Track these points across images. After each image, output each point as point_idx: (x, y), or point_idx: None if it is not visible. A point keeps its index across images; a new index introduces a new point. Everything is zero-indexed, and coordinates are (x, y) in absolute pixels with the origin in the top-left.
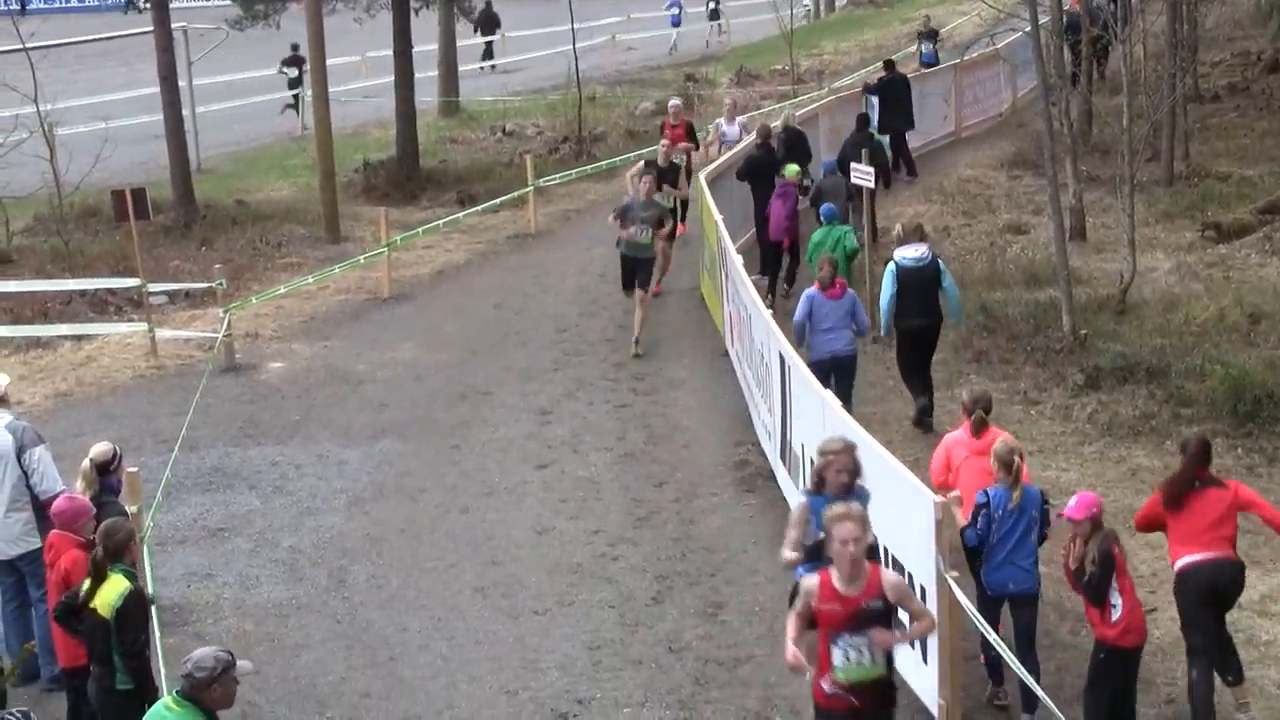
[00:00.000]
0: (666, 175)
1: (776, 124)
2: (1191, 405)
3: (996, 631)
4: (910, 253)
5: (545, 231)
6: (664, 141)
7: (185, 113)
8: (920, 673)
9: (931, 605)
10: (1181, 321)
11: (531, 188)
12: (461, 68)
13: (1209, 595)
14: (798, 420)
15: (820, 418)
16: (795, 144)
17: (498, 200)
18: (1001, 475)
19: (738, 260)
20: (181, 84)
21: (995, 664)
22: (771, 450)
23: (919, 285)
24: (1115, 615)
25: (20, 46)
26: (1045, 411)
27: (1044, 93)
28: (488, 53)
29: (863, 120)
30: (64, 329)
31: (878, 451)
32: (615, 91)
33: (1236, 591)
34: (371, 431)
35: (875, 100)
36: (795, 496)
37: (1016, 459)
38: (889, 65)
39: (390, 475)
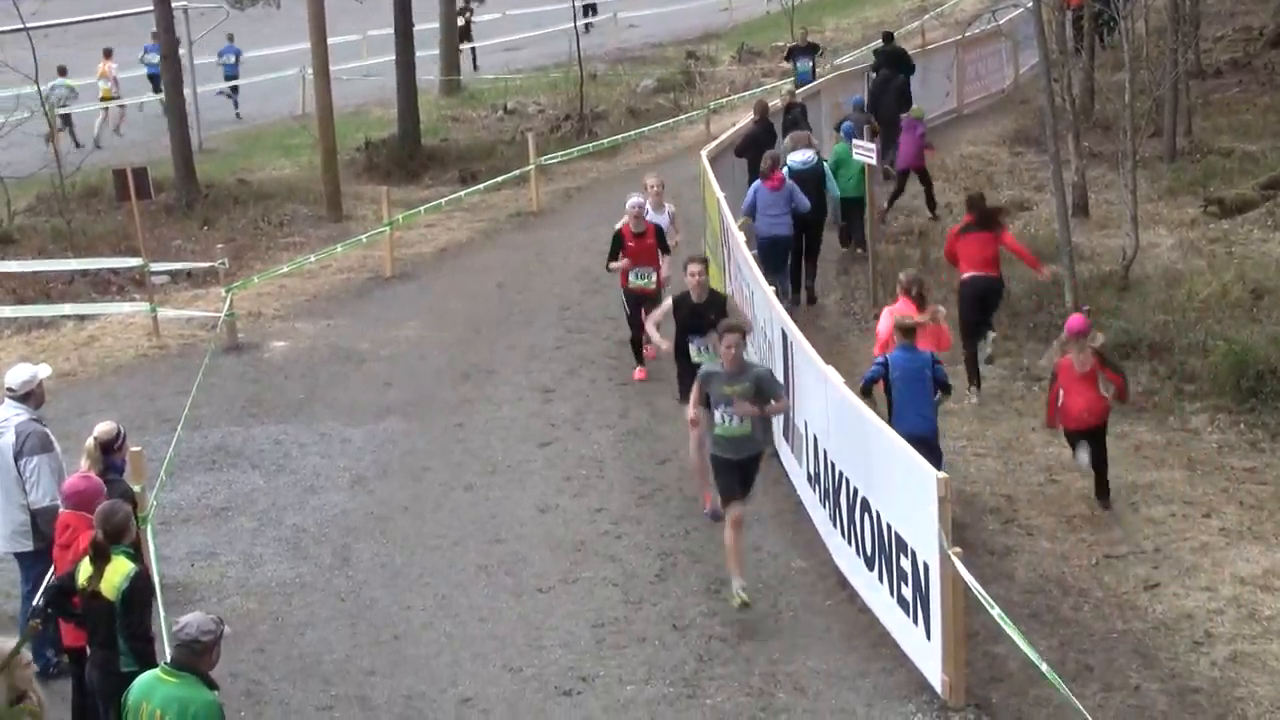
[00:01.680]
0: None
1: (775, 102)
2: (1194, 381)
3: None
4: (798, 157)
5: (547, 210)
6: (623, 261)
7: (186, 91)
8: (924, 648)
9: (935, 581)
10: (1184, 297)
11: (533, 166)
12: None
13: (975, 299)
14: (801, 396)
15: (822, 394)
16: (800, 119)
17: (500, 178)
18: (900, 339)
19: (740, 238)
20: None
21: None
22: (775, 427)
23: (808, 184)
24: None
25: (21, 26)
26: (1048, 387)
27: (1046, 69)
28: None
29: (894, 56)
30: (66, 309)
31: (880, 428)
32: (617, 69)
33: (995, 299)
34: (375, 410)
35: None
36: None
37: (913, 324)
38: (888, 37)
39: (394, 454)
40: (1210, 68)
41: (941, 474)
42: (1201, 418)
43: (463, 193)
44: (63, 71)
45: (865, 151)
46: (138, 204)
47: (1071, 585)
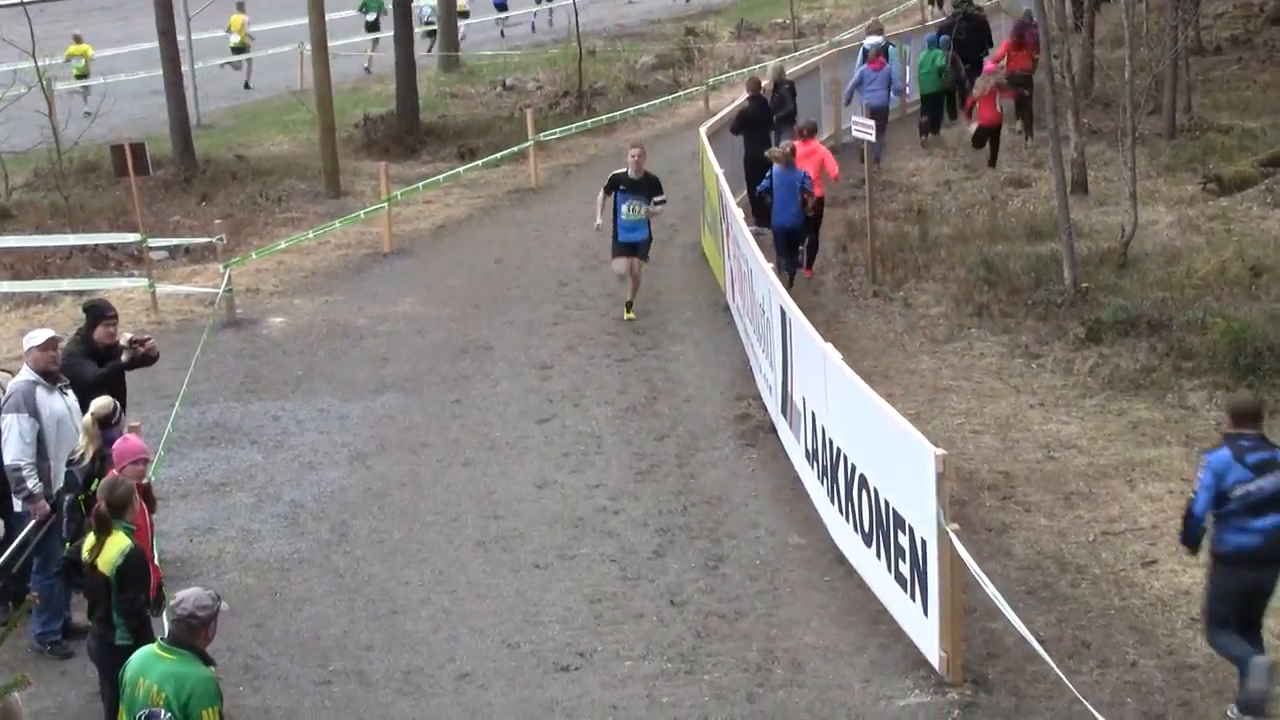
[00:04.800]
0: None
1: (766, 82)
2: (1192, 358)
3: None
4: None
5: (546, 186)
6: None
7: (184, 68)
8: (921, 625)
9: (932, 558)
10: (1183, 274)
11: (532, 142)
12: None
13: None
14: (799, 374)
15: (821, 371)
16: (787, 97)
17: (498, 155)
18: (781, 161)
19: (739, 214)
20: (180, 38)
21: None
22: (772, 404)
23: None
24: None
25: (18, 1)
26: (1046, 365)
27: (1045, 45)
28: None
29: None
30: (65, 284)
31: (878, 405)
32: (615, 45)
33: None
34: (373, 386)
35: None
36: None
37: (790, 151)
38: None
39: (392, 430)
40: (1210, 44)
41: (940, 451)
42: (1200, 395)
43: (461, 169)
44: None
45: (864, 129)
46: (136, 179)
47: (1069, 562)
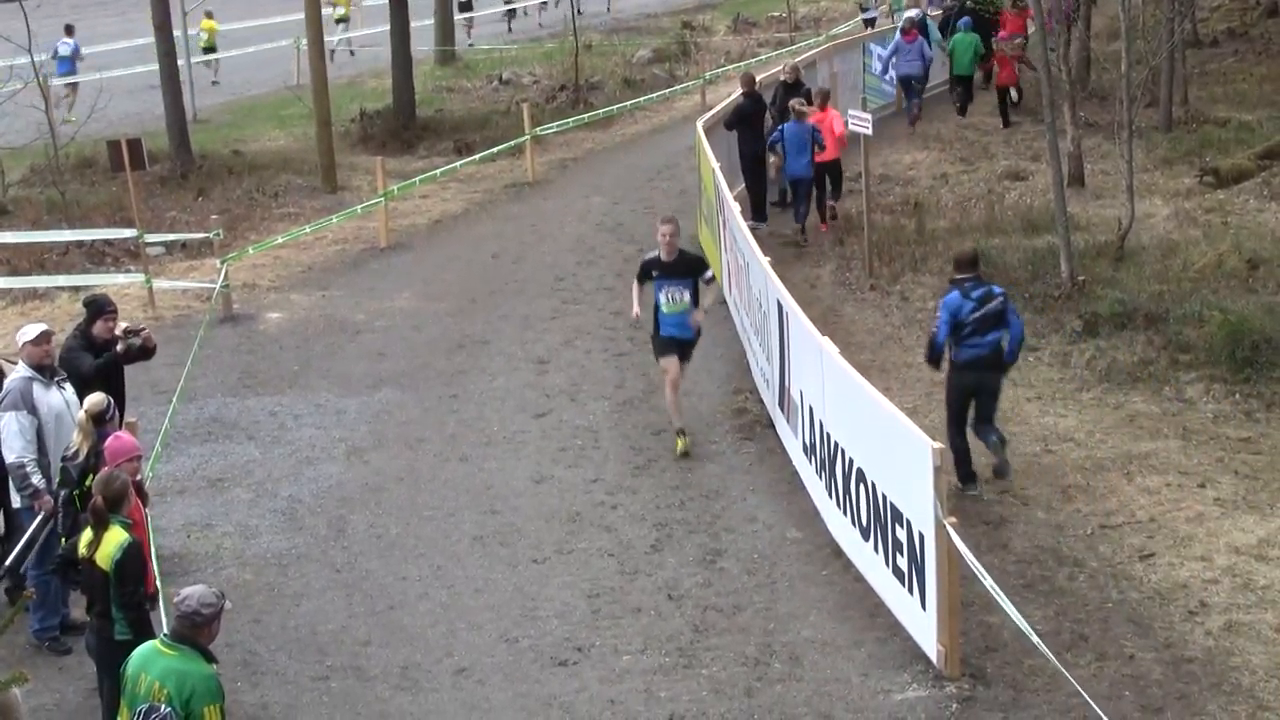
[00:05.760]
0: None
1: (786, 77)
2: (1189, 351)
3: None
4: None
5: (543, 180)
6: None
7: (180, 62)
8: (918, 619)
9: (930, 551)
10: (1180, 267)
11: (529, 136)
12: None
13: None
14: (796, 368)
15: (818, 365)
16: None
17: (495, 149)
18: (796, 114)
19: (735, 208)
20: (176, 33)
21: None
22: (770, 398)
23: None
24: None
25: None
26: (1043, 358)
27: (1042, 38)
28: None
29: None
30: (61, 280)
31: (875, 398)
32: (612, 39)
33: None
34: (370, 381)
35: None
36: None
37: (806, 107)
38: None
39: (389, 424)
40: (1207, 37)
41: (937, 444)
42: (1197, 388)
43: (458, 163)
44: (69, 30)
45: (861, 122)
46: (132, 175)
47: (1067, 555)
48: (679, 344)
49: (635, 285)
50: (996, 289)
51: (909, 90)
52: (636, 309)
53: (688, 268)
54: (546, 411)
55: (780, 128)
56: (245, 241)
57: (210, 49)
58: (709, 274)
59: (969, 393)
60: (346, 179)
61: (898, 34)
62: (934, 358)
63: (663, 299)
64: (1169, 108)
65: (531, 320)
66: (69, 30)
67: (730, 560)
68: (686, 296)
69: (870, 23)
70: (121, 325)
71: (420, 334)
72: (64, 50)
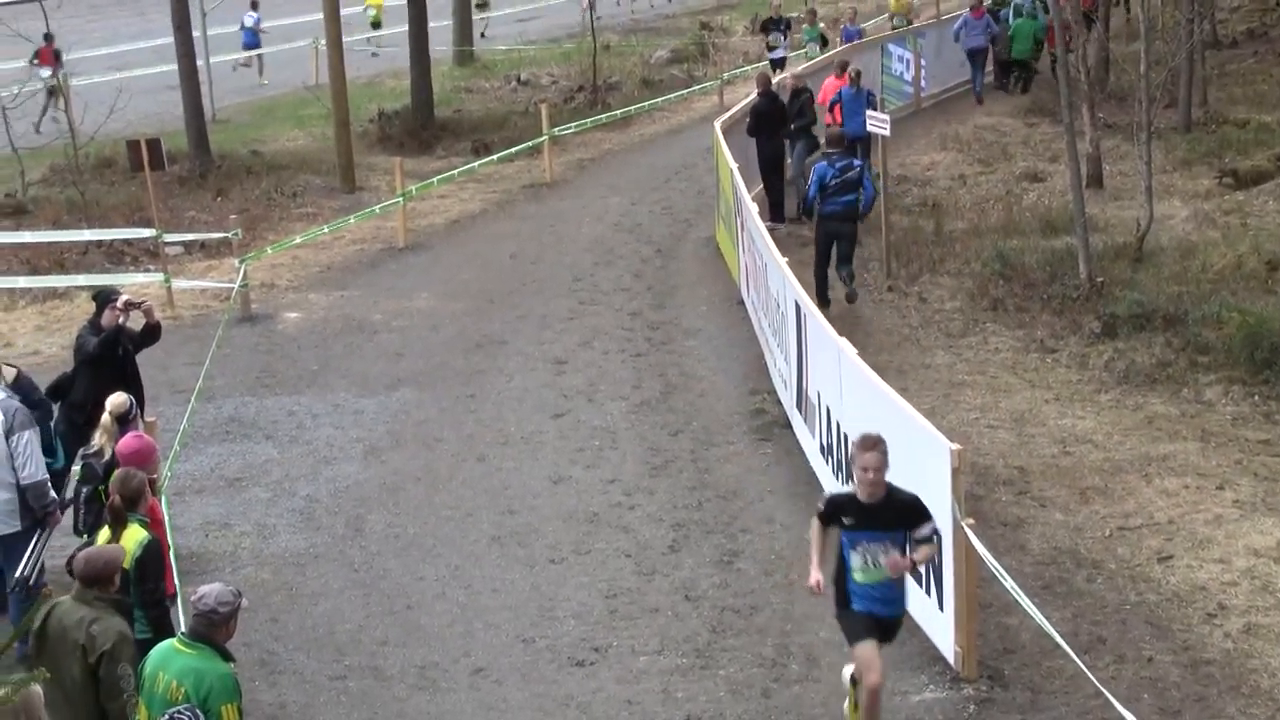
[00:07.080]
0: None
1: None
2: (1208, 353)
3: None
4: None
5: (561, 180)
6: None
7: (200, 62)
8: (936, 620)
9: (947, 551)
10: (1198, 269)
11: (546, 137)
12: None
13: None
14: (813, 368)
15: (836, 366)
16: (805, 106)
17: (513, 149)
18: (848, 81)
19: (753, 209)
20: (196, 33)
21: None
22: (787, 399)
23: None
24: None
25: None
26: (1062, 360)
27: (1061, 39)
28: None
29: None
30: (80, 279)
31: (893, 399)
32: (630, 40)
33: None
34: (388, 381)
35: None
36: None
37: (858, 73)
38: None
39: (407, 424)
40: (1226, 38)
41: (955, 446)
42: (1215, 390)
43: (476, 164)
44: (254, 4)
45: (879, 123)
46: (151, 175)
47: (1085, 557)
48: (882, 625)
49: (815, 530)
50: (856, 161)
51: (974, 64)
52: (816, 575)
53: (898, 517)
54: (564, 412)
55: (840, 90)
56: (264, 241)
57: (377, 24)
58: (927, 529)
59: (831, 237)
60: (365, 179)
61: (966, 10)
62: (807, 210)
63: (855, 561)
64: (1188, 109)
65: (549, 320)
66: (254, 4)
67: (747, 561)
68: (896, 559)
69: (779, 63)
70: (122, 298)
71: (438, 334)
72: (249, 22)
